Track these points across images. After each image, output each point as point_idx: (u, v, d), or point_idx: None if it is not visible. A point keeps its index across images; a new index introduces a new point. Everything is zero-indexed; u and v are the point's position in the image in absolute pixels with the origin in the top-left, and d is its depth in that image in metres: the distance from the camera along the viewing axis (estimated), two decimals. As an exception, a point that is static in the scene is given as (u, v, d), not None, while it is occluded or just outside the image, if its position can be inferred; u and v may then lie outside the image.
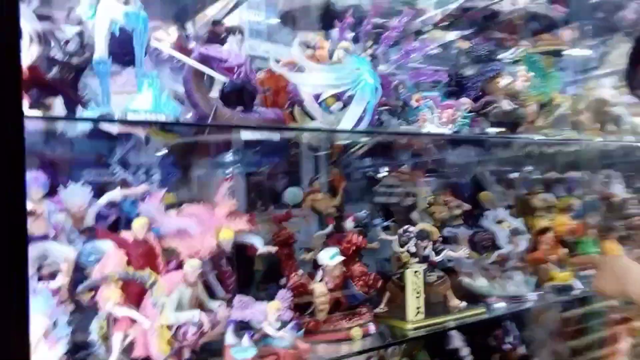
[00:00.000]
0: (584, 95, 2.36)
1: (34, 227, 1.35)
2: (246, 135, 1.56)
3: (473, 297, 1.93)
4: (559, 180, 2.80)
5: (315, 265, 1.91)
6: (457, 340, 2.03)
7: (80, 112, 1.30)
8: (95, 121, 1.30)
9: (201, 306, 1.43)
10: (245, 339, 1.37)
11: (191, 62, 1.49)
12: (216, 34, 1.87)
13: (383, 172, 2.52)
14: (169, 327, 1.30)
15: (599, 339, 2.43)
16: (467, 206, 2.21)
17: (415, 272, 1.72)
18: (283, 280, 1.83)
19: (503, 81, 2.01)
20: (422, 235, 1.79)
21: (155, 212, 1.47)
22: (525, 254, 2.08)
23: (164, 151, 2.03)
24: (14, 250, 0.75)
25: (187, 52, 1.67)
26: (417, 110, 1.78)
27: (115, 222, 1.64)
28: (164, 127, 1.72)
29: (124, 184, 1.75)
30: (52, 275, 1.34)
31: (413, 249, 1.78)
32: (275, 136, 1.62)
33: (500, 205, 2.25)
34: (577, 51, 2.92)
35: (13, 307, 0.77)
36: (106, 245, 1.44)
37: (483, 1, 2.54)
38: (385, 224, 2.07)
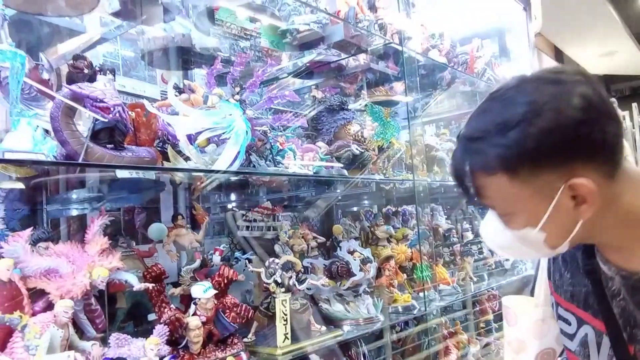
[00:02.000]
0: (415, 141, 2.78)
1: None
2: (122, 173, 1.57)
3: (330, 322, 2.13)
4: (395, 214, 3.20)
5: (183, 299, 1.95)
6: (316, 363, 2.20)
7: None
8: None
9: (72, 347, 1.40)
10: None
11: (64, 99, 1.48)
12: (79, 69, 1.86)
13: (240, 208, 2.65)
14: (42, 371, 1.26)
15: (433, 353, 2.80)
16: (321, 239, 2.45)
17: (283, 301, 1.86)
18: (151, 316, 1.84)
19: (353, 128, 2.30)
20: (287, 267, 1.94)
21: (22, 252, 1.41)
22: (373, 279, 2.36)
23: (12, 185, 1.93)
24: None
25: (45, 84, 1.64)
26: (282, 153, 1.96)
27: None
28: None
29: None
30: None
31: (279, 280, 1.92)
32: (151, 175, 1.65)
33: (350, 237, 2.53)
34: (405, 100, 3.40)
35: None
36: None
37: (332, 56, 2.87)
38: (247, 257, 2.20)
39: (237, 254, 2.26)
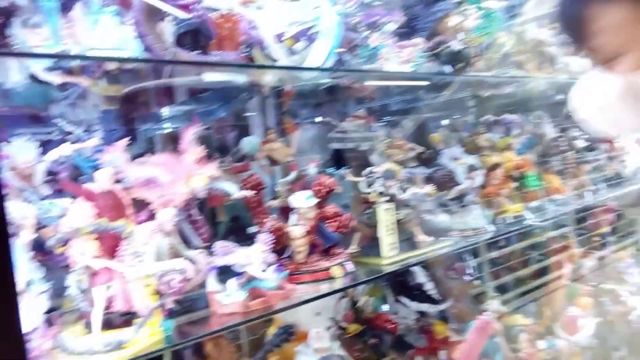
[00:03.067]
0: (522, 35, 2.46)
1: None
2: (211, 77, 1.47)
3: (435, 233, 1.99)
4: (495, 123, 2.94)
5: (283, 212, 1.89)
6: (420, 276, 2.10)
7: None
8: (57, 57, 1.18)
9: (178, 256, 1.38)
10: (232, 283, 1.34)
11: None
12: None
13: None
14: (152, 277, 1.24)
15: (542, 267, 2.61)
16: (420, 148, 2.28)
17: (387, 209, 1.74)
18: (251, 229, 1.80)
19: (453, 21, 2.04)
20: (389, 175, 1.81)
21: (120, 162, 1.37)
22: (479, 188, 2.17)
23: (107, 106, 1.92)
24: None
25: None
26: (376, 50, 1.77)
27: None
28: (110, 77, 1.61)
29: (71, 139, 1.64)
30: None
31: (380, 189, 1.80)
32: (241, 79, 1.54)
33: (449, 146, 2.34)
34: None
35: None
36: (64, 201, 1.35)
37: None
38: (342, 170, 2.09)
39: (330, 169, 2.15)
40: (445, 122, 2.95)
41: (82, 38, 1.18)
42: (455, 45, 2.04)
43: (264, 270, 1.37)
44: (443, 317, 2.23)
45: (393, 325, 2.18)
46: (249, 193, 1.55)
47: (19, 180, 1.40)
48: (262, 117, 2.33)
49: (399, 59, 1.81)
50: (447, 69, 2.03)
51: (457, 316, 2.28)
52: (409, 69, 1.83)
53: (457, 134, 2.68)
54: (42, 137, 1.66)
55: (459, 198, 2.08)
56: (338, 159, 2.32)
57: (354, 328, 2.00)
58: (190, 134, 1.53)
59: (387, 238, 1.74)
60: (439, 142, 2.32)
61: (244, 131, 2.33)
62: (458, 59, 2.08)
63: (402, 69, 1.81)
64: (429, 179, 2.07)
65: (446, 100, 2.86)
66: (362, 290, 2.02)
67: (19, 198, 1.32)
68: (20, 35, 1.26)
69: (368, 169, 1.84)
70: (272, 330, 1.73)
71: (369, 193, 1.81)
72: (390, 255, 1.73)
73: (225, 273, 1.41)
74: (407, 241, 1.89)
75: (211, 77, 1.46)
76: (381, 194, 1.80)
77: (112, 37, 1.19)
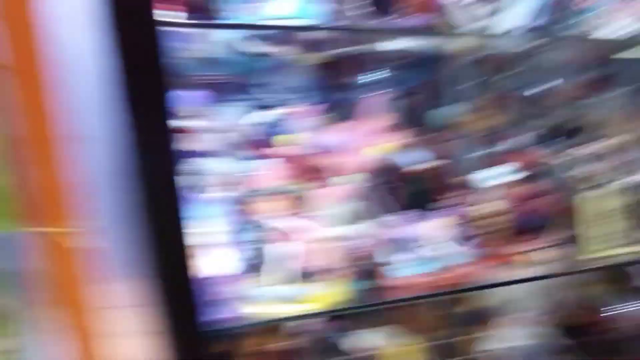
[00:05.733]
0: None
1: (185, 144, 1.33)
2: (399, 44, 1.39)
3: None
4: None
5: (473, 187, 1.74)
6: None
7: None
8: (242, 28, 1.20)
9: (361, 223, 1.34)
10: (415, 257, 1.26)
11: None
12: None
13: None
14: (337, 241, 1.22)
15: None
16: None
17: (598, 196, 1.49)
18: (439, 203, 1.69)
19: None
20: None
21: (311, 128, 1.39)
22: None
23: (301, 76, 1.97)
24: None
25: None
26: (588, 12, 1.52)
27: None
28: (306, 45, 1.62)
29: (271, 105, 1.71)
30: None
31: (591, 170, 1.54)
32: (428, 46, 1.43)
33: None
34: None
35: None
36: (257, 162, 1.41)
37: None
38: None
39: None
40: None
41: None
42: None
43: (451, 247, 1.27)
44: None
45: (608, 326, 1.89)
46: (440, 163, 1.45)
47: (221, 141, 1.49)
48: (456, 87, 2.20)
49: (619, 22, 1.53)
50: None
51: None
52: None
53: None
54: (242, 104, 1.77)
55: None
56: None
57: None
58: (380, 101, 1.49)
59: (597, 229, 1.48)
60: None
61: (437, 101, 2.22)
62: None
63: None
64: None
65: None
66: (568, 283, 1.76)
67: (220, 157, 1.41)
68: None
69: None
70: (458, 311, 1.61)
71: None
72: (597, 249, 1.48)
73: (410, 244, 1.34)
74: (616, 234, 1.60)
75: (400, 44, 1.38)
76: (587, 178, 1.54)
77: (294, 2, 1.18)
